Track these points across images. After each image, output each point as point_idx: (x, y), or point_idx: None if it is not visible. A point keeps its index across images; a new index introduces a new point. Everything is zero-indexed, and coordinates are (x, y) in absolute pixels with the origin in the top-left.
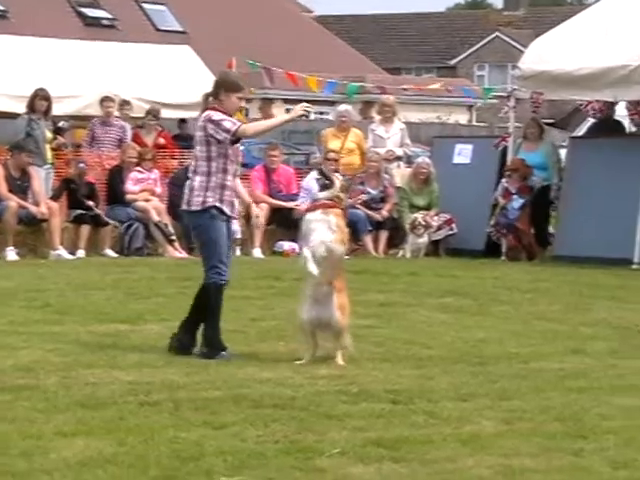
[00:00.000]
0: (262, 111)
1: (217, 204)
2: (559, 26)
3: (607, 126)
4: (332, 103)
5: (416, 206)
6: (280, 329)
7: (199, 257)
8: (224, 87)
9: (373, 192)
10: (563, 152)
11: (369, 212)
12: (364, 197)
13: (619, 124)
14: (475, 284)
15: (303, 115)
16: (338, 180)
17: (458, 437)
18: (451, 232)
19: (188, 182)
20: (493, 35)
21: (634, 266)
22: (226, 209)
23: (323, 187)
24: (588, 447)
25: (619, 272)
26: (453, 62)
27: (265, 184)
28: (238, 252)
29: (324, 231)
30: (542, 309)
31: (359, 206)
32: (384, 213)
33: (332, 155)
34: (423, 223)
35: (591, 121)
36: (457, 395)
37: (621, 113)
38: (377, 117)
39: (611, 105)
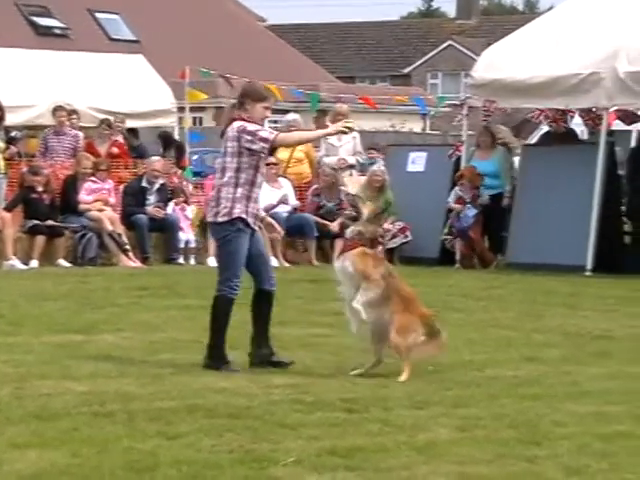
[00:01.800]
0: (215, 119)
1: (243, 215)
2: (511, 35)
3: (559, 134)
4: (285, 112)
5: None
6: (235, 338)
7: (152, 266)
8: (250, 97)
9: (329, 204)
10: (516, 160)
11: (323, 221)
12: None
13: (572, 132)
14: (429, 292)
15: (343, 132)
16: (366, 210)
17: (413, 445)
18: (405, 240)
19: (213, 193)
20: (446, 44)
21: (587, 273)
22: (250, 221)
23: (351, 219)
24: (542, 453)
25: (572, 279)
26: (407, 70)
27: None
28: (193, 261)
29: (348, 288)
30: (496, 316)
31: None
32: (334, 226)
33: (271, 159)
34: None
35: (544, 129)
36: (412, 403)
37: (577, 121)
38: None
39: (563, 113)
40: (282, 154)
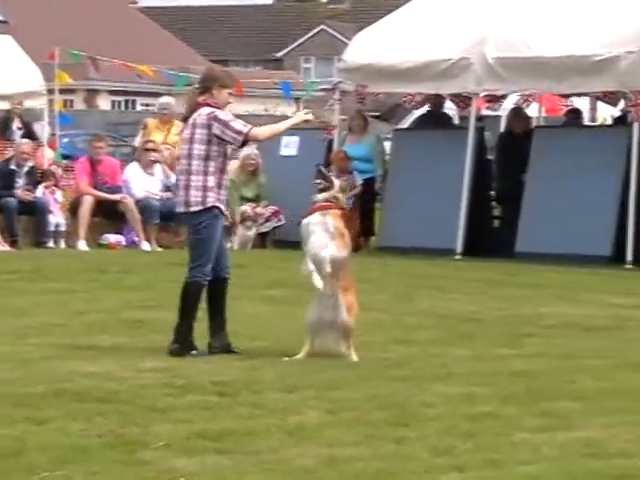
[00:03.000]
0: (87, 102)
1: (217, 204)
2: (383, 19)
3: (433, 119)
4: (157, 95)
5: (245, 198)
6: (104, 322)
7: (21, 250)
8: (217, 82)
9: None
10: (388, 144)
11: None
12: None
13: (446, 116)
14: (302, 275)
15: (307, 119)
16: (337, 181)
17: (283, 428)
18: (278, 224)
19: (180, 181)
20: (319, 28)
21: (457, 257)
22: (222, 208)
23: (322, 190)
24: (410, 435)
25: (442, 263)
26: (280, 54)
27: (90, 176)
28: (63, 244)
29: (322, 237)
30: (368, 299)
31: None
32: None
33: (151, 145)
34: (252, 215)
35: (416, 114)
36: (283, 386)
37: (451, 106)
38: None
39: (435, 97)
40: (157, 137)
